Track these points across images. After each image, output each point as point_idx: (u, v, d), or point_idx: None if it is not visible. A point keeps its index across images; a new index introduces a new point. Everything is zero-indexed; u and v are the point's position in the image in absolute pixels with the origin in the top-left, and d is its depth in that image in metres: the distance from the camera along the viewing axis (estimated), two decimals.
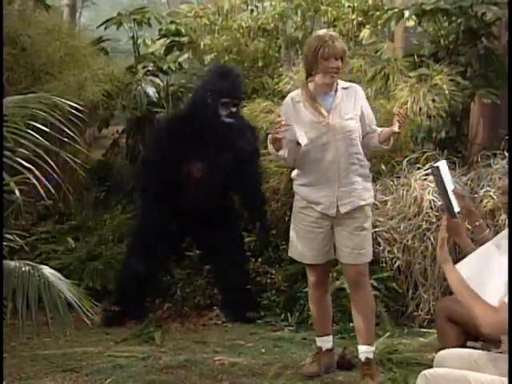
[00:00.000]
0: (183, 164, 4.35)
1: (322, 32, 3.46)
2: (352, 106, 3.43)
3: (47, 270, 2.95)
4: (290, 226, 3.61)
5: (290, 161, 3.46)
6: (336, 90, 3.42)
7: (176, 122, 4.52)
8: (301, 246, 3.50)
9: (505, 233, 2.68)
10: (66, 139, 3.51)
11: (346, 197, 3.39)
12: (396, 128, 3.36)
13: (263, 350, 4.04)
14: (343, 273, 3.81)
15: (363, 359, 3.47)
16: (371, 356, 3.49)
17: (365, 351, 3.48)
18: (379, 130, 3.50)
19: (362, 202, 3.43)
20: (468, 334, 3.07)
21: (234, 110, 4.40)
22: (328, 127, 3.36)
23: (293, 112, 3.43)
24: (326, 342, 3.65)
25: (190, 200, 4.40)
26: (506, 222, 4.42)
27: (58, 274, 2.99)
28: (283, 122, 3.27)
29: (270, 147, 3.40)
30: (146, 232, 4.54)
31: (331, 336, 3.68)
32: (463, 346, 2.89)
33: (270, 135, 3.41)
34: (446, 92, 5.05)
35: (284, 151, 3.38)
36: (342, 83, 3.47)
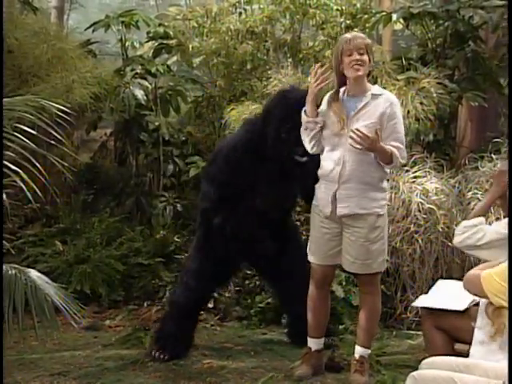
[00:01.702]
0: (248, 195, 3.75)
1: (345, 34, 3.53)
2: (377, 115, 3.37)
3: (34, 274, 2.94)
4: None
5: (318, 146, 3.47)
6: (364, 94, 3.41)
7: (244, 150, 3.74)
8: (311, 244, 3.57)
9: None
10: (53, 142, 3.50)
11: (345, 200, 3.40)
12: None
13: (252, 353, 4.04)
14: (356, 279, 3.86)
15: (357, 357, 3.53)
16: (366, 356, 3.54)
17: (360, 351, 3.54)
18: (393, 144, 3.40)
19: (361, 211, 3.39)
20: (455, 339, 3.08)
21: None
22: (343, 131, 3.37)
23: (326, 108, 3.46)
24: (317, 344, 3.65)
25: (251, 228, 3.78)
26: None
27: (45, 278, 2.98)
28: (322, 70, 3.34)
29: (308, 110, 3.41)
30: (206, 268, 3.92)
31: (323, 339, 3.68)
32: (450, 352, 2.91)
33: (310, 90, 3.40)
34: (434, 95, 5.06)
35: (320, 118, 3.42)
36: (374, 89, 3.46)
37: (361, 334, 3.56)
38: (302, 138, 3.48)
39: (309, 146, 3.48)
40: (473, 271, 2.60)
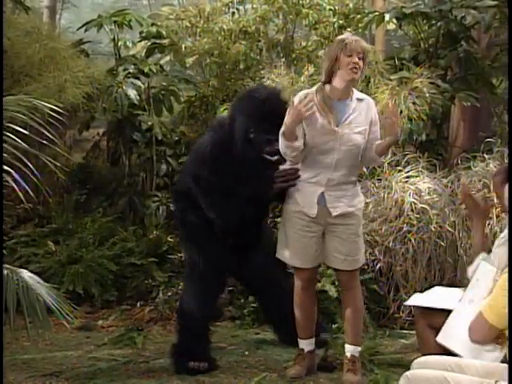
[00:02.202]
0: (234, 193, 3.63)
1: (343, 36, 3.51)
2: (363, 119, 3.42)
3: (26, 274, 2.93)
4: (279, 228, 3.61)
5: (300, 157, 3.42)
6: (351, 98, 3.42)
7: (221, 154, 3.64)
8: (293, 249, 3.51)
9: (473, 282, 2.75)
10: (45, 142, 3.49)
11: (336, 201, 3.41)
12: (394, 136, 3.37)
13: (246, 353, 4.03)
14: (336, 277, 3.83)
15: (349, 356, 3.53)
16: (357, 354, 3.54)
17: (351, 350, 3.54)
18: (376, 142, 3.48)
19: (351, 209, 3.45)
20: None
21: (276, 145, 3.52)
22: (336, 136, 3.37)
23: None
24: (308, 345, 3.66)
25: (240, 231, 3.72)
26: (487, 224, 4.46)
27: (37, 278, 2.97)
28: (310, 103, 3.26)
29: (287, 137, 3.31)
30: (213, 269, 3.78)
31: (314, 338, 3.69)
32: (443, 352, 2.91)
33: (296, 114, 3.27)
34: (427, 95, 5.08)
35: (300, 142, 3.36)
36: (356, 93, 3.46)
37: (350, 332, 3.56)
38: (282, 153, 3.42)
39: (289, 163, 3.47)
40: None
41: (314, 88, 3.49)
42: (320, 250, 3.51)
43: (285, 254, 3.56)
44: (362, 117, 3.43)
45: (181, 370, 3.65)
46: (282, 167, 3.53)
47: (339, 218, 3.43)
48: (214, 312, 3.92)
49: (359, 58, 3.33)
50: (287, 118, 3.29)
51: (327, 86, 3.42)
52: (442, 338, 2.79)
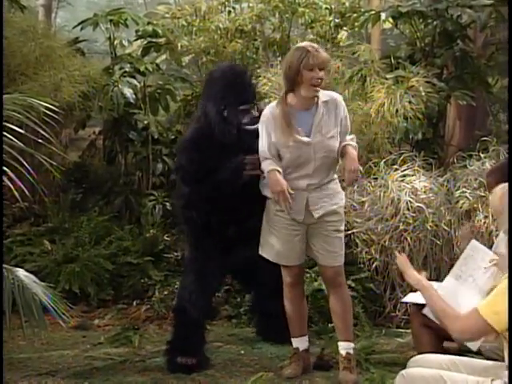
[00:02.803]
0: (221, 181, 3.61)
1: (302, 44, 3.41)
2: (333, 122, 3.39)
3: (22, 273, 2.92)
4: (263, 227, 3.57)
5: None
6: (317, 105, 3.37)
7: (201, 142, 3.65)
8: (278, 247, 3.51)
9: (462, 259, 2.76)
10: (41, 141, 3.49)
11: (318, 202, 3.42)
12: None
13: (242, 352, 4.04)
14: (320, 273, 3.83)
15: (344, 354, 3.53)
16: (351, 351, 3.54)
17: (345, 347, 3.54)
18: (347, 138, 3.45)
19: (334, 207, 3.46)
20: (443, 337, 3.10)
21: (255, 113, 3.61)
22: (308, 147, 3.35)
23: (274, 127, 3.37)
24: (302, 343, 3.66)
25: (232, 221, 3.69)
26: (483, 222, 4.47)
27: (33, 277, 2.97)
28: (288, 194, 3.28)
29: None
30: (205, 264, 3.76)
31: (307, 336, 3.69)
32: (438, 350, 2.92)
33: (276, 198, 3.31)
34: (423, 94, 5.09)
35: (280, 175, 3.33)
36: (322, 96, 3.40)
37: (340, 329, 3.56)
38: None
39: None
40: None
41: (275, 102, 3.46)
42: (304, 247, 3.52)
43: (270, 253, 3.55)
44: (332, 119, 3.39)
45: (171, 367, 3.65)
46: (248, 156, 3.51)
47: (323, 215, 3.44)
48: (209, 309, 3.89)
49: (321, 69, 3.28)
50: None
51: (290, 96, 3.37)
52: (428, 311, 2.80)
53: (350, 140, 3.46)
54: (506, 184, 2.38)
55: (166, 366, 3.68)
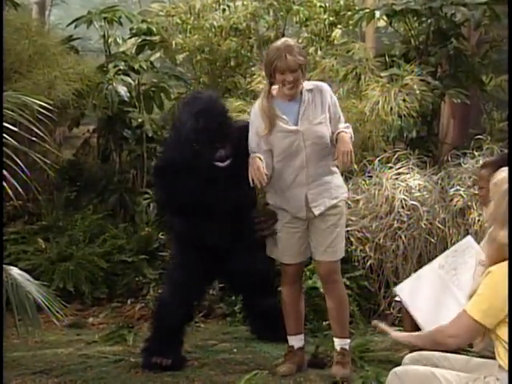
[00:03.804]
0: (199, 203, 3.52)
1: (279, 42, 3.40)
2: (320, 109, 3.40)
3: (15, 271, 2.91)
4: None
5: (269, 171, 3.41)
6: (301, 94, 3.39)
7: (175, 172, 3.54)
8: (279, 245, 3.52)
9: (450, 251, 2.76)
10: (35, 139, 3.47)
11: (318, 198, 3.42)
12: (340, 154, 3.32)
13: (235, 350, 4.03)
14: (316, 269, 3.83)
15: (338, 349, 3.54)
16: (346, 347, 3.56)
17: (340, 343, 3.56)
18: (340, 126, 3.44)
19: (334, 201, 3.46)
20: None
21: (225, 150, 3.46)
22: (297, 135, 3.36)
23: (260, 120, 3.40)
24: (298, 341, 3.66)
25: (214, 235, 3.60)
26: (477, 220, 4.48)
27: (27, 275, 2.95)
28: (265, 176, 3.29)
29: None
30: (188, 277, 3.71)
31: (303, 334, 3.69)
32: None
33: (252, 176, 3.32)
34: (417, 92, 5.09)
35: (268, 170, 3.34)
36: (306, 85, 3.43)
37: (336, 326, 3.57)
38: None
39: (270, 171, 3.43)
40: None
41: (261, 95, 3.47)
42: (306, 245, 3.52)
43: (274, 252, 3.57)
44: (318, 106, 3.40)
45: (146, 365, 3.64)
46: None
47: (322, 212, 3.44)
48: (189, 315, 3.86)
49: (293, 71, 3.28)
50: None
51: (275, 88, 3.38)
52: (400, 291, 2.79)
53: (345, 128, 3.45)
54: (506, 169, 2.37)
55: (142, 363, 3.68)
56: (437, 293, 2.76)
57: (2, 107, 3.13)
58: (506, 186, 2.31)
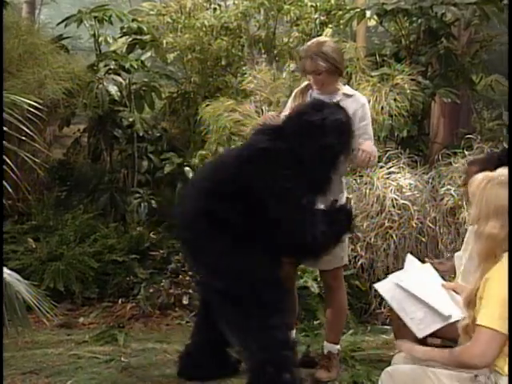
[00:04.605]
0: None
1: (310, 42, 3.47)
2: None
3: (5, 271, 2.89)
4: None
5: None
6: (336, 94, 3.43)
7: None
8: None
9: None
10: (24, 138, 3.46)
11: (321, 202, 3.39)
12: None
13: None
14: (321, 277, 3.80)
15: (325, 352, 3.56)
16: (334, 352, 3.55)
17: (328, 348, 3.56)
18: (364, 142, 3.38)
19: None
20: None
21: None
22: None
23: (292, 99, 3.51)
24: None
25: None
26: (467, 219, 4.50)
27: (16, 275, 2.94)
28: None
29: None
30: None
31: (294, 331, 3.69)
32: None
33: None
34: (408, 91, 5.11)
35: None
36: (345, 89, 3.47)
37: (330, 331, 3.58)
38: None
39: None
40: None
41: (305, 83, 3.56)
42: None
43: None
44: (349, 110, 3.37)
45: None
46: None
47: None
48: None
49: (319, 74, 3.34)
50: None
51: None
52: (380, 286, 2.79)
53: (369, 143, 3.39)
54: (488, 173, 2.37)
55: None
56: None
57: (2, 107, 3.12)
58: (483, 184, 2.31)
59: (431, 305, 2.59)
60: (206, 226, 3.03)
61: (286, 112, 3.47)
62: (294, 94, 3.56)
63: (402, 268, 2.91)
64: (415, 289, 2.65)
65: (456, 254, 3.31)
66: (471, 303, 2.32)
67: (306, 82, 3.55)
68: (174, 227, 3.26)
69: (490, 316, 2.23)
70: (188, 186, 3.51)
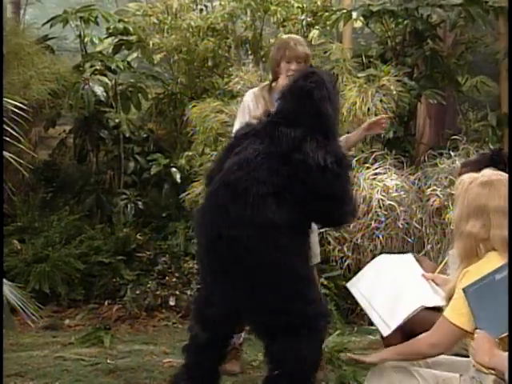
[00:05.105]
0: None
1: (287, 36, 3.54)
2: None
3: None
4: None
5: None
6: None
7: None
8: None
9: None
10: (9, 139, 3.43)
11: None
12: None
13: None
14: None
15: None
16: None
17: None
18: (342, 138, 3.40)
19: None
20: (410, 333, 3.11)
21: None
22: None
23: (253, 107, 3.42)
24: (238, 338, 3.62)
25: None
26: (453, 220, 4.51)
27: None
28: None
29: None
30: None
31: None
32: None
33: None
34: (394, 92, 5.12)
35: None
36: None
37: None
38: None
39: None
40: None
41: (262, 84, 3.55)
42: None
43: None
44: None
45: None
46: None
47: None
48: None
49: (299, 62, 3.34)
50: None
51: (275, 84, 3.43)
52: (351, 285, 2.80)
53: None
54: (473, 174, 2.38)
55: None
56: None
57: (1, 107, 3.09)
58: (466, 184, 2.32)
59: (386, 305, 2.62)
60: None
61: (256, 113, 3.29)
62: (253, 95, 3.45)
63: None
64: (377, 288, 2.68)
65: (450, 252, 3.31)
66: (451, 298, 2.33)
67: (262, 84, 3.55)
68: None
69: (457, 310, 2.24)
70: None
